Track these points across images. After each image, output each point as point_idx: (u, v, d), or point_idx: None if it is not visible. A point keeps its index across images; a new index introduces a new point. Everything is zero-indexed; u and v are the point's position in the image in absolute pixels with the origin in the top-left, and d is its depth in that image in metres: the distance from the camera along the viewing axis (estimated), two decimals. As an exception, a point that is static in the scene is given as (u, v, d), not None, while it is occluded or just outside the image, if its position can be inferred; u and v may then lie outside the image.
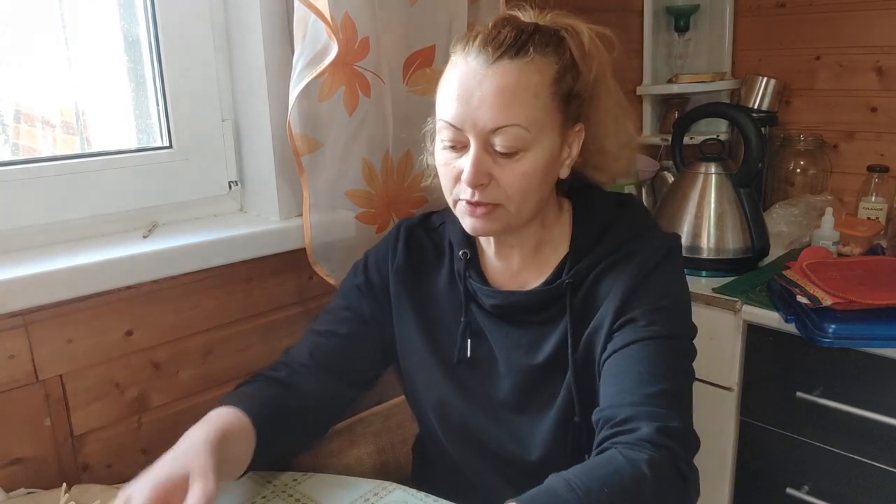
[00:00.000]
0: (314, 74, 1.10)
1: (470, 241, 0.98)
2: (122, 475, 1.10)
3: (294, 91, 1.11)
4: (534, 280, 0.95)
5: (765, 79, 1.91)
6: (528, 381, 0.94)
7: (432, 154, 0.94)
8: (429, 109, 1.32)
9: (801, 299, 1.31)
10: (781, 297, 1.40)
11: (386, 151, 1.27)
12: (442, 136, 0.87)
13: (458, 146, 0.85)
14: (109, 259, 1.01)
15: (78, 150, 1.14)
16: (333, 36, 1.07)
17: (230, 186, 1.28)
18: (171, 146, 1.20)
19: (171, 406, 1.15)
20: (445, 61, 1.38)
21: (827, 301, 1.27)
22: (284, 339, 1.27)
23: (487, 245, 0.97)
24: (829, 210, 1.64)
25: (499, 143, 0.82)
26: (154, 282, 1.09)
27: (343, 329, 1.01)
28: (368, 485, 0.97)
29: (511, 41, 0.82)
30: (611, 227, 0.93)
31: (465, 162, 0.84)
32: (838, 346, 1.27)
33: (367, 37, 1.17)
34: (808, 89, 1.92)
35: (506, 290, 0.95)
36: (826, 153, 1.90)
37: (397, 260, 1.01)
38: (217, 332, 1.19)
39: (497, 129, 0.82)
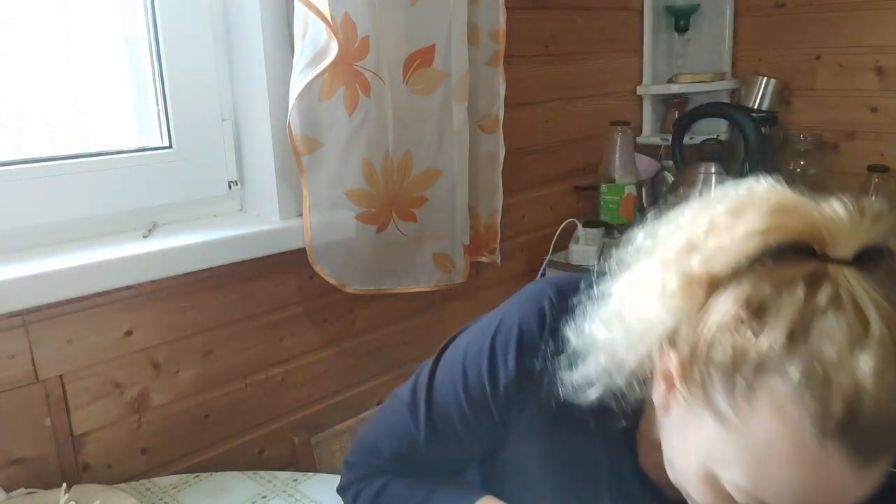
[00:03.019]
0: (314, 74, 1.10)
1: (632, 407, 0.73)
2: (122, 475, 1.10)
3: (294, 91, 1.11)
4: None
5: (765, 79, 1.91)
6: None
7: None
8: (429, 109, 1.33)
9: (802, 299, 1.31)
10: (781, 297, 1.40)
11: (386, 151, 1.27)
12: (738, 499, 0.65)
13: None
14: (109, 259, 1.01)
15: (78, 150, 1.14)
16: (333, 36, 1.07)
17: (230, 186, 1.28)
18: (170, 146, 1.20)
19: (172, 406, 1.15)
20: (446, 61, 1.37)
21: (827, 301, 1.27)
22: (285, 338, 1.27)
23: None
24: (829, 210, 1.63)
25: None
26: (154, 282, 1.09)
27: (468, 443, 0.82)
28: (369, 485, 0.97)
29: None
30: None
31: None
32: (838, 346, 1.27)
33: (367, 36, 1.17)
34: (808, 89, 1.92)
35: (662, 490, 0.76)
36: (826, 153, 1.90)
37: None
38: (217, 331, 1.19)
39: None
